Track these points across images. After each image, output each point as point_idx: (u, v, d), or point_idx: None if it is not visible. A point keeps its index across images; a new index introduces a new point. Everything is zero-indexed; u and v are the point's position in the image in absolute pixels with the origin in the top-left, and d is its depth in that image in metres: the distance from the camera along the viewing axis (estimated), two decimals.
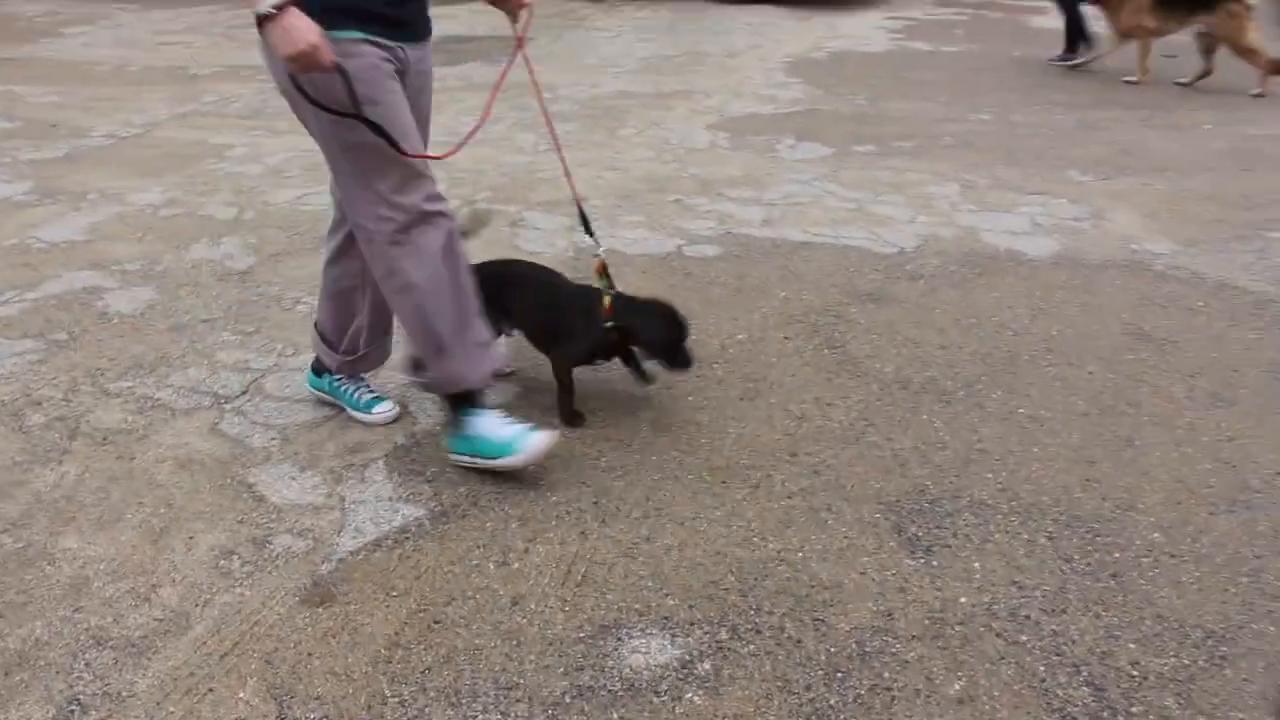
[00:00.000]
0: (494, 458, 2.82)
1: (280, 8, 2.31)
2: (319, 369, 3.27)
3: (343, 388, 3.22)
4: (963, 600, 2.40)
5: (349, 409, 3.21)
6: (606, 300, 3.04)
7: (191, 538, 2.64)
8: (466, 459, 2.88)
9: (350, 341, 3.12)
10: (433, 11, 2.78)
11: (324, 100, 2.51)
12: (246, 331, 3.82)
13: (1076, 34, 9.44)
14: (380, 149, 2.57)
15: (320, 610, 2.37)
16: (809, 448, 3.02)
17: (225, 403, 3.30)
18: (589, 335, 3.07)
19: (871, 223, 4.98)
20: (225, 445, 3.06)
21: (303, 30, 2.34)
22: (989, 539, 2.62)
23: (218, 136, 6.69)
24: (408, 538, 2.63)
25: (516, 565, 2.52)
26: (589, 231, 3.10)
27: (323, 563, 2.53)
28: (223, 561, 2.54)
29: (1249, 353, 3.71)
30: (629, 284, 4.14)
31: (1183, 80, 8.60)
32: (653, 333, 3.04)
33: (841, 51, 10.10)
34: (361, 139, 2.56)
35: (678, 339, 3.04)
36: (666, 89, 8.20)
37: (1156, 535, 2.66)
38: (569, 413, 3.14)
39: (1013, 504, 2.77)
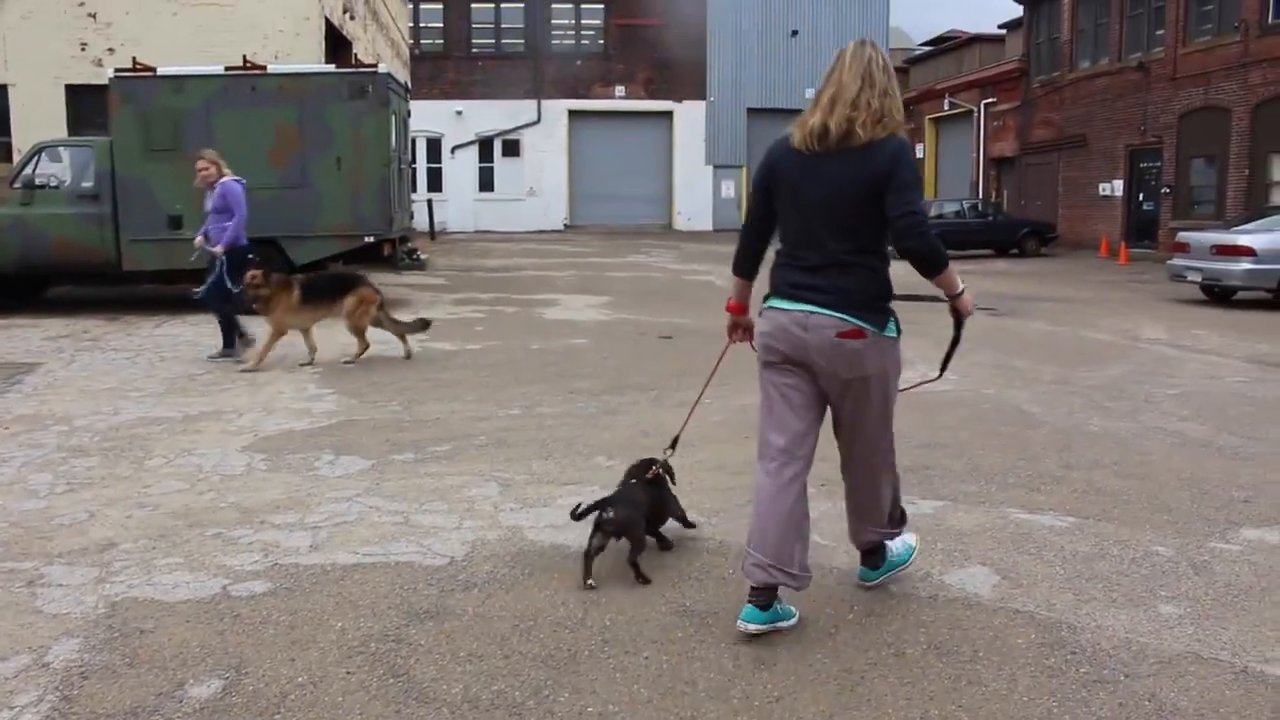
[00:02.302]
0: (908, 561, 4.48)
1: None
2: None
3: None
4: None
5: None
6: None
7: None
8: (896, 570, 4.42)
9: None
10: None
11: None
12: None
13: (231, 331, 10.55)
14: None
15: None
16: None
17: None
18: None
19: (420, 534, 5.03)
20: None
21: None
22: None
23: None
24: None
25: None
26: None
27: None
28: None
29: None
30: (172, 635, 3.86)
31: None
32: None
33: (371, 357, 10.33)
34: None
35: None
36: (195, 411, 7.93)
37: None
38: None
39: None
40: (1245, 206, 23.57)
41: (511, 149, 41.02)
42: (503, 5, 40.69)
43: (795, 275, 3.84)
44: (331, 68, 15.89)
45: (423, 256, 22.18)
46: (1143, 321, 14.13)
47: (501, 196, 40.87)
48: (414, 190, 24.92)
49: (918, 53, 46.74)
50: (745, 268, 4.11)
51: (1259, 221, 17.67)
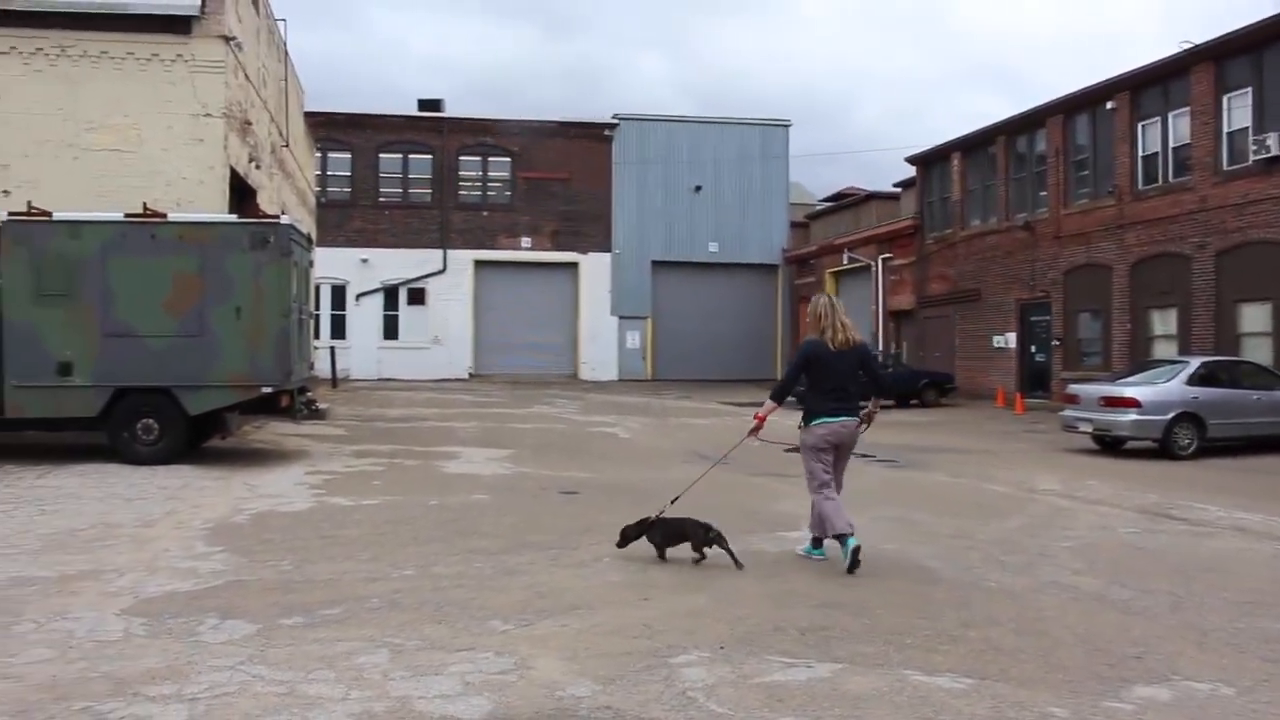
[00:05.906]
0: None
1: None
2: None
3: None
4: None
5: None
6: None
7: None
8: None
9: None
10: None
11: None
12: None
13: None
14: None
15: None
16: None
17: None
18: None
19: (303, 706, 4.77)
20: None
21: None
22: None
23: None
24: None
25: None
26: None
27: None
28: None
29: None
30: None
31: None
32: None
33: (264, 513, 10.04)
34: None
35: None
36: (72, 570, 7.54)
37: None
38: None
39: None
40: (1130, 358, 24.52)
41: (417, 297, 41.10)
42: (410, 156, 41.29)
43: (834, 404, 7.87)
44: (233, 218, 15.80)
45: (322, 406, 21.85)
46: (1038, 472, 14.43)
47: (406, 344, 40.76)
48: (317, 337, 24.68)
49: (818, 208, 48.31)
50: (781, 399, 7.95)
51: (1142, 374, 18.36)
